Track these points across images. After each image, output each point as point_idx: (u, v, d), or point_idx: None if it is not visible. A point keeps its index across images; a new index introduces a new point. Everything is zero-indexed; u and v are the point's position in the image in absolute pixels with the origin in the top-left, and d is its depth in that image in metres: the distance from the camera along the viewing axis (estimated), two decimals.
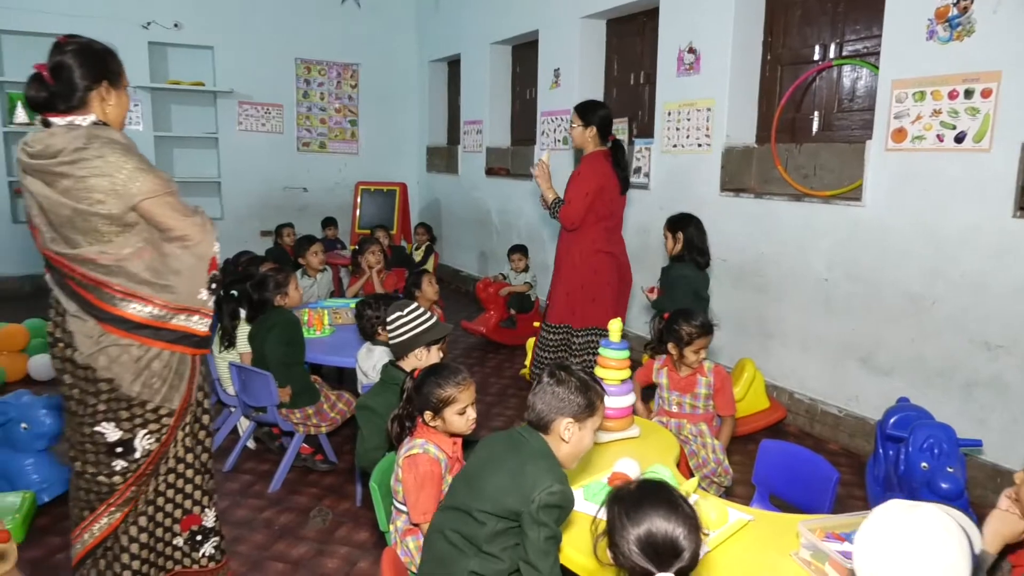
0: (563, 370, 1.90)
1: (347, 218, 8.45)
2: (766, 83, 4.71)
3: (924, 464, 2.77)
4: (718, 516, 1.97)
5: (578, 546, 1.88)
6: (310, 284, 5.16)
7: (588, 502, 2.07)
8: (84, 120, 2.11)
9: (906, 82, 3.59)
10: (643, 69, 5.79)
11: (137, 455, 2.21)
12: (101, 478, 2.20)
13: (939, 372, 3.57)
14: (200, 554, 2.45)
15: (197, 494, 2.40)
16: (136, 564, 2.29)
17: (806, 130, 4.49)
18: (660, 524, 1.31)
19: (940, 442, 2.78)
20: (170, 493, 2.33)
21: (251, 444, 3.84)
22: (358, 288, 5.26)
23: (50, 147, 2.05)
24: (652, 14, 5.45)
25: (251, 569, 2.79)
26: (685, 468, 2.96)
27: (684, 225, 4.02)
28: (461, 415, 2.16)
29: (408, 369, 2.62)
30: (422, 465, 2.07)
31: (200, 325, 2.24)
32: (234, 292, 3.83)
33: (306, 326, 3.93)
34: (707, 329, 3.04)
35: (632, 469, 2.16)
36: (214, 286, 2.25)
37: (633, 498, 1.36)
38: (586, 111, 4.06)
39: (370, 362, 3.29)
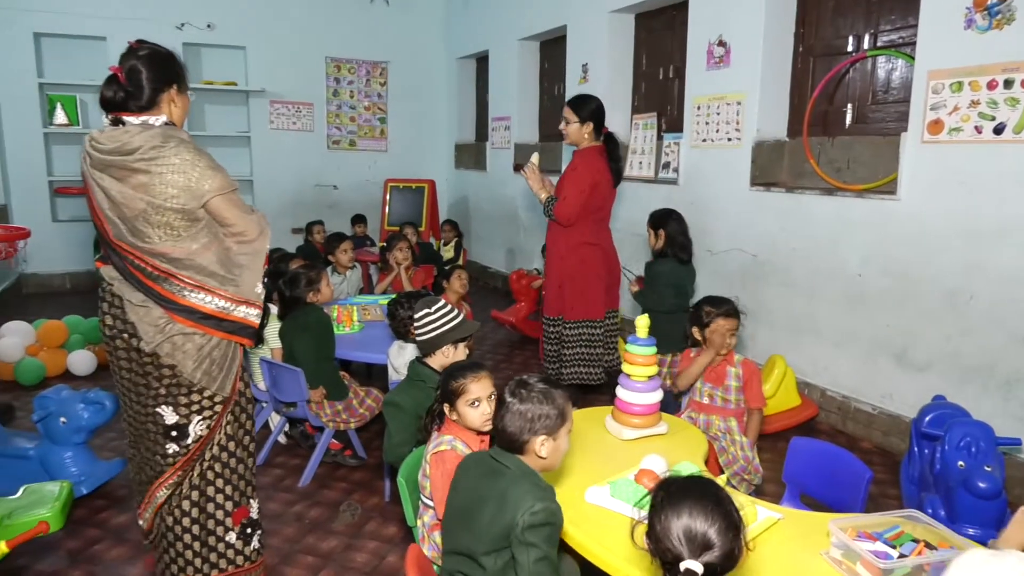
0: (522, 386, 1.82)
1: (376, 215, 8.52)
2: (798, 75, 4.64)
3: (961, 463, 2.71)
4: (747, 514, 1.94)
5: (607, 545, 1.87)
6: (340, 281, 5.21)
7: (615, 499, 2.06)
8: (157, 120, 2.22)
9: (943, 72, 3.50)
10: (672, 63, 5.74)
11: (189, 440, 2.32)
12: (158, 457, 2.33)
13: (977, 369, 3.49)
14: (251, 548, 2.51)
15: (242, 484, 2.46)
16: (189, 555, 2.37)
17: (839, 123, 4.41)
18: (699, 517, 1.34)
19: (977, 440, 2.71)
20: (219, 483, 2.40)
21: (282, 439, 3.90)
22: (387, 285, 5.30)
23: (127, 144, 2.15)
24: (681, 7, 5.40)
25: (282, 562, 2.83)
26: (715, 466, 2.93)
27: (665, 221, 4.11)
28: (474, 408, 2.15)
29: (435, 366, 2.64)
30: (449, 462, 2.07)
31: (255, 317, 2.35)
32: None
33: (335, 322, 3.97)
34: (728, 312, 3.01)
35: (659, 466, 2.15)
36: (266, 280, 2.37)
37: (680, 486, 1.40)
38: (580, 106, 4.06)
39: (402, 359, 3.32)
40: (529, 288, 5.92)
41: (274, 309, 3.84)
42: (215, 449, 2.38)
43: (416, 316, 2.71)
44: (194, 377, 2.27)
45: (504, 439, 1.82)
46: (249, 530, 2.50)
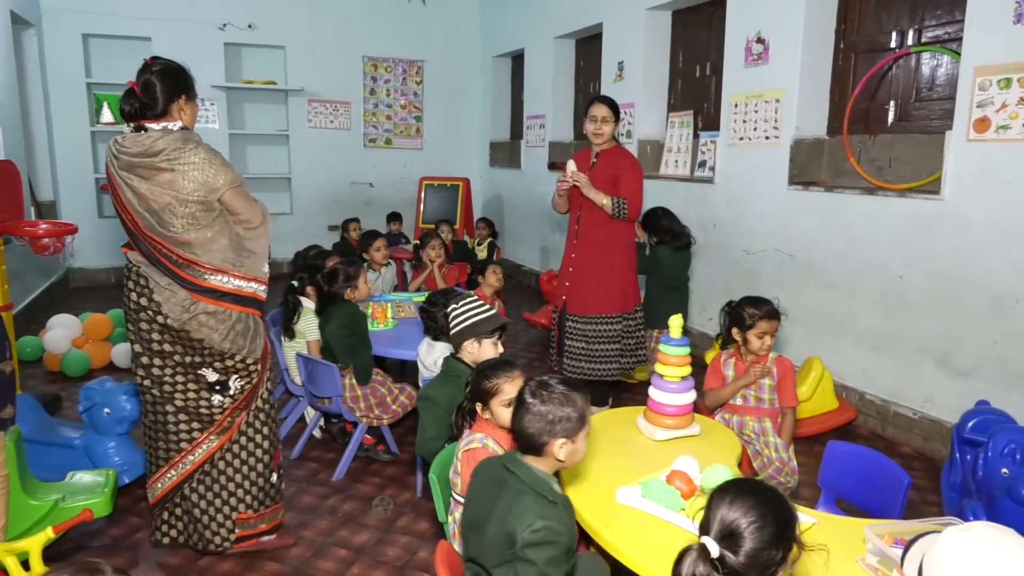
0: (543, 387, 1.80)
1: (411, 213, 8.58)
2: (838, 72, 4.55)
3: (1005, 470, 2.64)
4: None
5: (638, 545, 1.86)
6: (375, 278, 5.26)
7: (646, 500, 2.05)
8: (174, 126, 2.54)
9: (990, 68, 3.41)
10: (709, 60, 5.68)
11: (232, 392, 2.69)
12: (203, 409, 2.67)
13: (1023, 375, 3.39)
14: (282, 487, 2.95)
15: (275, 432, 2.87)
16: (240, 493, 2.74)
17: (881, 121, 4.32)
18: (738, 505, 1.35)
19: (1023, 447, 2.64)
20: (265, 431, 2.79)
21: (317, 433, 3.95)
22: (420, 282, 5.34)
23: (151, 147, 2.47)
24: (719, 3, 5.33)
25: (315, 554, 2.87)
26: (748, 468, 2.90)
27: (654, 221, 4.59)
28: (508, 407, 2.14)
29: (466, 360, 2.65)
30: (481, 459, 2.08)
31: (263, 292, 2.71)
32: (294, 283, 3.94)
33: (370, 319, 4.01)
34: (770, 314, 2.97)
35: (692, 467, 2.13)
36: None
37: (745, 482, 1.45)
38: (614, 105, 4.03)
39: (431, 357, 3.34)
40: None
41: (308, 303, 3.90)
42: (259, 401, 2.76)
43: (449, 308, 2.75)
44: (223, 347, 2.61)
45: (523, 440, 1.81)
46: (281, 472, 2.92)
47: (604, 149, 4.03)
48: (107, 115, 7.84)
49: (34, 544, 2.42)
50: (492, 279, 4.57)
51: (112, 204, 2.61)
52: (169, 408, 2.66)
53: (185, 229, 2.49)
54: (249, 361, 2.68)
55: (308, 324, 3.86)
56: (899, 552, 1.73)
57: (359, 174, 9.06)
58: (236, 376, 2.67)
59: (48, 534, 2.45)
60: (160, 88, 2.51)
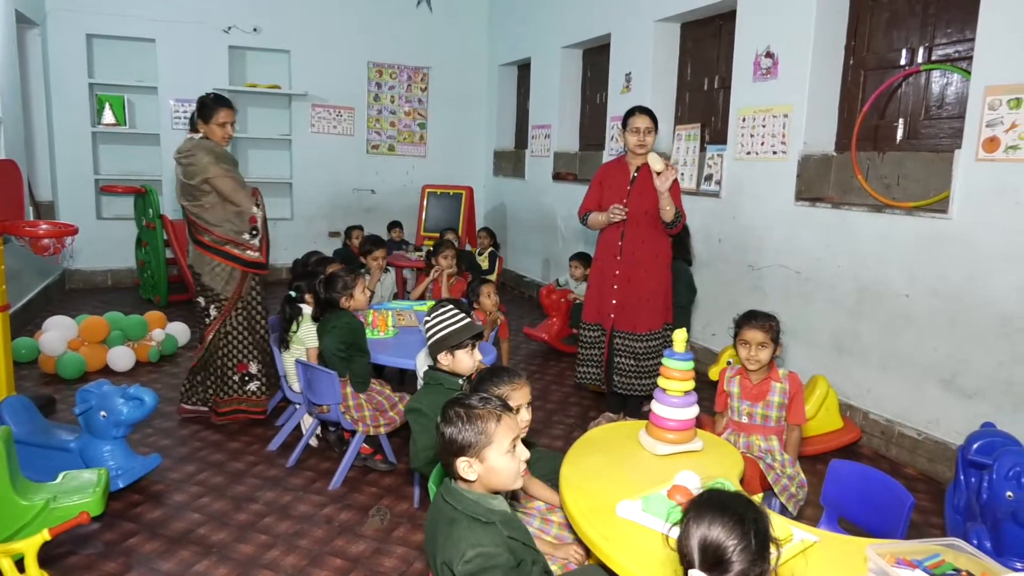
0: (451, 407, 1.77)
1: (413, 220, 8.56)
2: (848, 89, 4.54)
3: (1009, 493, 2.60)
4: (781, 536, 1.89)
5: (637, 559, 1.83)
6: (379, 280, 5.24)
7: (646, 514, 2.02)
8: (196, 136, 3.99)
9: (1001, 88, 3.39)
10: (718, 73, 5.67)
11: (211, 316, 4.07)
12: (205, 319, 4.11)
13: None
14: (247, 390, 4.18)
15: (246, 350, 4.13)
16: (212, 389, 4.17)
17: (890, 138, 4.30)
18: (717, 529, 1.34)
19: None
20: (227, 348, 4.10)
21: (313, 442, 3.90)
22: (424, 288, 5.29)
23: (181, 149, 3.97)
24: (728, 17, 5.33)
25: (311, 563, 2.82)
26: (754, 484, 2.85)
27: (680, 235, 4.42)
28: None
29: (444, 368, 2.65)
30: None
31: (243, 253, 3.98)
32: (292, 293, 3.90)
33: (370, 327, 3.98)
34: (753, 325, 2.91)
35: (693, 482, 2.10)
36: (254, 232, 4.00)
37: (713, 497, 1.41)
38: (655, 117, 3.99)
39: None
40: (560, 303, 5.84)
41: (307, 310, 3.86)
42: (227, 326, 4.07)
43: (424, 319, 2.73)
44: (206, 282, 4.00)
45: (442, 464, 1.80)
46: (247, 378, 4.15)
47: (645, 165, 3.96)
48: (108, 116, 7.81)
49: (30, 546, 2.40)
50: (486, 303, 4.52)
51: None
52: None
53: (190, 201, 3.92)
54: (221, 297, 4.01)
55: (307, 331, 3.82)
56: (900, 572, 1.69)
57: (361, 180, 9.04)
58: (214, 305, 4.04)
59: (44, 536, 2.41)
60: (194, 113, 4.00)
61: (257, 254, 4.00)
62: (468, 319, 2.68)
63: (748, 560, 1.31)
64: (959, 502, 3.00)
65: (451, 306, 2.71)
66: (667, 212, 3.87)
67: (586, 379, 4.32)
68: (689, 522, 1.37)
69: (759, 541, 1.33)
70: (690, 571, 1.33)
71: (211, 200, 3.86)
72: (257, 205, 4.02)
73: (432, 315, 2.69)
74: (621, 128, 4.05)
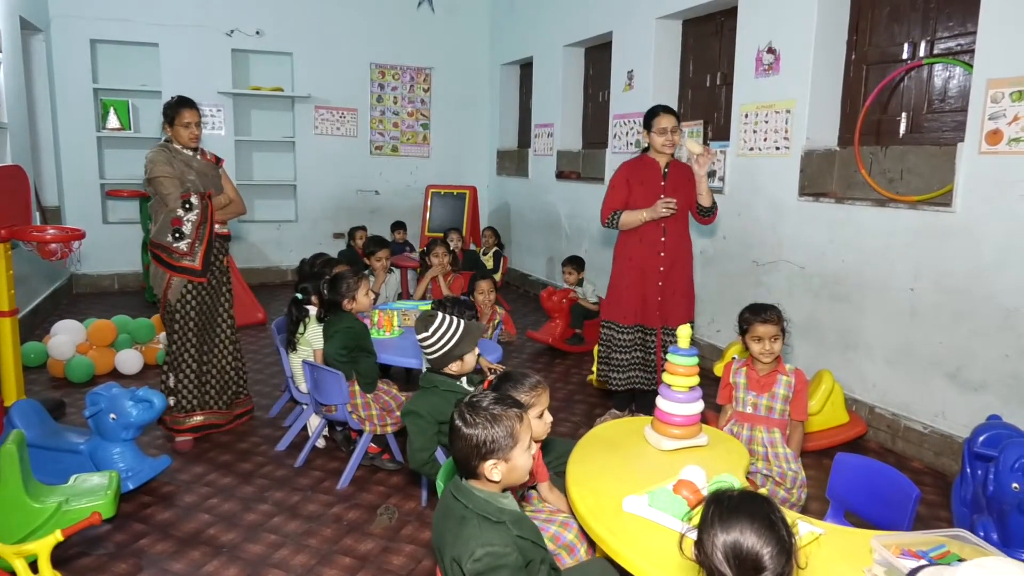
0: (470, 409, 1.75)
1: (417, 221, 8.58)
2: (850, 83, 4.53)
3: (1016, 485, 2.61)
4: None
5: (644, 554, 1.84)
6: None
7: (653, 508, 2.03)
8: (162, 138, 3.94)
9: (1003, 81, 3.39)
10: (720, 70, 5.67)
11: (159, 311, 4.14)
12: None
13: None
14: (177, 390, 3.95)
15: (170, 359, 3.92)
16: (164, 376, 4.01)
17: (893, 132, 4.30)
18: (750, 537, 1.28)
19: None
20: (170, 346, 3.93)
21: (320, 443, 3.92)
22: (423, 289, 5.32)
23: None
24: (730, 14, 5.33)
25: (320, 562, 2.84)
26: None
27: None
28: (540, 419, 2.17)
29: (454, 372, 2.66)
30: None
31: (167, 256, 3.79)
32: (298, 295, 3.92)
33: (375, 327, 4.00)
34: (765, 319, 2.92)
35: (698, 477, 2.11)
36: (176, 235, 3.78)
37: (732, 503, 1.34)
38: (678, 115, 4.00)
39: None
40: (561, 304, 5.85)
41: (314, 311, 3.88)
42: (170, 328, 3.93)
43: (418, 337, 2.66)
44: (153, 284, 3.95)
45: (458, 465, 1.79)
46: (180, 376, 3.93)
47: (672, 161, 3.97)
48: (113, 120, 7.84)
49: (43, 547, 2.42)
50: (480, 299, 4.56)
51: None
52: None
53: (151, 199, 3.92)
54: (157, 294, 3.93)
55: (314, 333, 3.84)
56: (905, 563, 1.70)
57: (365, 182, 9.06)
58: (158, 303, 4.06)
59: (56, 537, 2.44)
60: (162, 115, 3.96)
61: (190, 260, 3.78)
62: (464, 322, 2.68)
63: (782, 563, 1.28)
64: (966, 495, 3.00)
65: (440, 316, 2.66)
66: (706, 196, 3.88)
67: (627, 385, 4.09)
68: (713, 531, 1.31)
69: (789, 540, 1.30)
70: None
71: (155, 202, 3.83)
72: (187, 208, 3.75)
73: (427, 332, 2.62)
74: (644, 129, 4.01)
